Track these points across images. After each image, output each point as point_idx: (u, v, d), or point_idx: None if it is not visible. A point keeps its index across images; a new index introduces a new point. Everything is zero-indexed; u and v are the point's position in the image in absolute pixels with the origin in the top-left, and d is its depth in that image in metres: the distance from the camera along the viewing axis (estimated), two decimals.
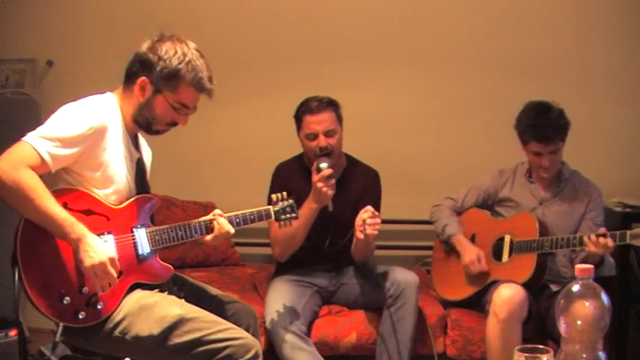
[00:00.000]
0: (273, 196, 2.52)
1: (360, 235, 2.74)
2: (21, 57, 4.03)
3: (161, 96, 2.23)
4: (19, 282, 2.04)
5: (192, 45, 2.27)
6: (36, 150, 2.02)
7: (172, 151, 3.97)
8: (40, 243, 2.06)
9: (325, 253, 3.03)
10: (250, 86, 3.99)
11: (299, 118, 3.00)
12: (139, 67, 2.23)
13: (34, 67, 4.03)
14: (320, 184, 2.74)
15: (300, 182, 2.95)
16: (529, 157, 3.06)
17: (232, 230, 2.36)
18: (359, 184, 3.11)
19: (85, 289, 2.09)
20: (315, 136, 2.94)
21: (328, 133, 2.95)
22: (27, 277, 2.04)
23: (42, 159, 2.03)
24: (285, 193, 2.53)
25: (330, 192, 2.75)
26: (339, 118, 3.01)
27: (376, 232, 2.74)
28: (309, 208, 2.84)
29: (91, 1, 4.04)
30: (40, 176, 2.04)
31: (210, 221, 2.36)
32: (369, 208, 2.73)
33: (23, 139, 2.05)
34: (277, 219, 2.50)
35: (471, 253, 3.05)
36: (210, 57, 3.88)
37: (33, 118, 2.25)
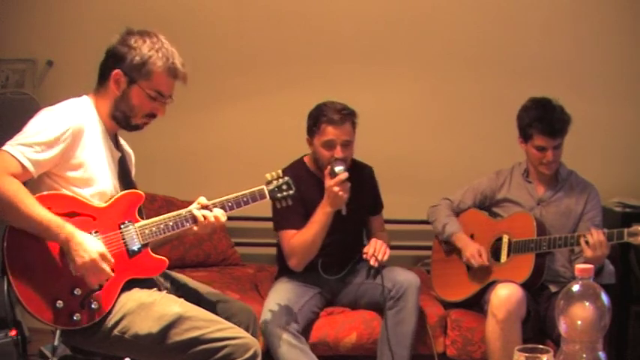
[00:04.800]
0: (267, 175, 2.49)
1: (375, 264, 2.91)
2: (21, 57, 4.03)
3: (136, 86, 2.23)
4: (10, 289, 2.04)
5: (161, 36, 2.27)
6: (15, 158, 2.03)
7: (172, 151, 3.99)
8: (26, 250, 2.06)
9: (339, 254, 3.04)
10: (250, 86, 4.00)
11: (316, 125, 2.94)
12: (111, 62, 2.24)
13: (34, 67, 4.03)
14: (336, 189, 2.73)
15: (310, 188, 2.93)
16: (531, 154, 3.05)
17: (223, 218, 2.32)
18: (364, 183, 3.15)
19: (77, 291, 2.09)
20: (333, 146, 2.92)
21: (346, 144, 2.93)
22: (17, 285, 2.03)
23: (23, 166, 2.03)
24: (279, 171, 2.50)
25: (346, 195, 2.76)
26: (354, 128, 3.00)
27: (386, 257, 2.93)
28: (324, 213, 2.84)
29: (91, 1, 4.05)
30: (23, 182, 2.05)
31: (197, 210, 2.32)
32: (370, 245, 2.94)
33: (2, 148, 2.05)
34: (273, 198, 2.46)
35: (472, 248, 3.04)
36: (210, 58, 3.95)
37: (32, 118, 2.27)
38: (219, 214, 2.31)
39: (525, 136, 3.02)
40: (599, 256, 2.73)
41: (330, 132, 2.91)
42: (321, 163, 2.96)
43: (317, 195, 2.85)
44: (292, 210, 2.81)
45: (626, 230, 2.68)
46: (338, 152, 2.90)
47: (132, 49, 2.22)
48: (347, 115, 2.93)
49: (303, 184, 2.86)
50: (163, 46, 2.25)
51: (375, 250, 2.92)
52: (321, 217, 2.85)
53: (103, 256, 2.06)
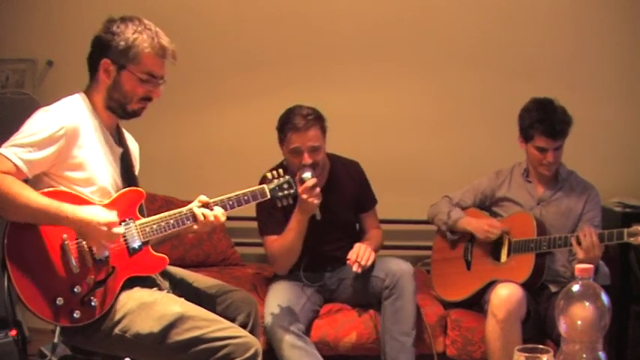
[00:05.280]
0: (268, 174, 2.49)
1: (358, 270, 2.87)
2: (21, 57, 4.04)
3: (126, 71, 2.22)
4: (11, 287, 2.04)
5: (143, 19, 2.27)
6: (8, 159, 2.03)
7: (172, 151, 3.99)
8: (26, 247, 2.06)
9: (321, 256, 3.03)
10: (250, 87, 4.00)
11: (283, 132, 2.95)
12: (97, 52, 2.24)
13: (34, 67, 4.04)
14: (305, 195, 2.72)
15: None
16: (531, 155, 3.05)
17: (223, 218, 2.32)
18: (349, 182, 3.14)
19: (78, 288, 2.09)
20: (300, 154, 2.91)
21: (313, 150, 2.91)
22: (17, 282, 2.04)
23: (16, 167, 2.04)
24: (280, 170, 2.50)
25: (316, 201, 2.73)
26: (324, 132, 2.98)
27: (370, 262, 2.90)
28: (297, 220, 2.85)
29: (91, 1, 4.04)
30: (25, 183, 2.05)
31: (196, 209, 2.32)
32: (353, 250, 2.90)
33: None
34: (274, 197, 2.46)
35: (483, 223, 3.06)
36: (211, 58, 3.95)
37: None
38: (219, 213, 2.31)
39: (526, 136, 3.03)
40: (591, 257, 2.73)
41: (295, 140, 2.90)
42: (291, 170, 2.92)
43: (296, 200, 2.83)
44: (273, 216, 2.82)
45: (625, 230, 2.68)
46: (306, 159, 2.89)
47: (115, 35, 2.21)
48: (312, 121, 2.91)
49: None
50: (146, 28, 2.24)
51: (359, 255, 2.90)
52: (294, 224, 2.86)
53: (111, 224, 2.06)
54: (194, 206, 2.31)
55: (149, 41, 2.22)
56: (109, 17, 2.26)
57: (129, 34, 2.21)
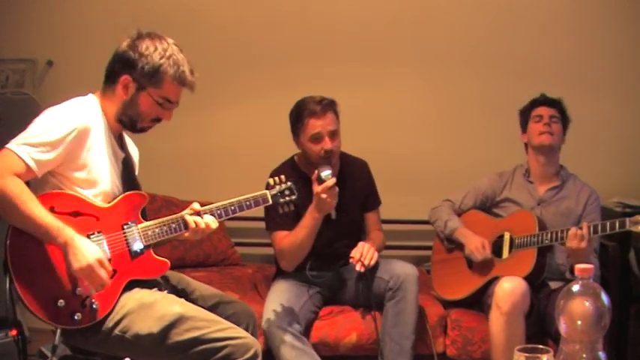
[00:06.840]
0: (270, 180, 2.50)
1: (361, 269, 2.88)
2: (21, 57, 4.04)
3: (145, 93, 2.23)
4: (12, 288, 2.04)
5: (170, 40, 2.27)
6: (20, 157, 2.03)
7: (172, 151, 3.99)
8: (29, 248, 2.06)
9: (329, 254, 3.03)
10: (250, 87, 4.00)
11: (300, 120, 2.93)
12: (120, 66, 2.23)
13: (34, 67, 4.03)
14: (324, 195, 2.71)
15: (301, 189, 2.88)
16: (531, 131, 3.11)
17: (214, 225, 2.31)
18: (357, 180, 3.13)
19: (79, 290, 2.09)
20: (320, 138, 2.91)
21: (332, 135, 2.92)
22: (19, 283, 2.03)
23: (27, 166, 2.03)
24: (282, 177, 2.50)
25: (334, 202, 2.73)
26: (338, 117, 3.00)
27: (373, 262, 2.90)
28: (312, 218, 2.82)
29: (92, 1, 4.05)
30: (26, 181, 2.05)
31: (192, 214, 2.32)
32: (357, 249, 2.90)
33: (7, 146, 2.05)
34: (276, 203, 2.47)
35: (475, 241, 3.06)
36: (211, 57, 3.95)
37: (33, 118, 2.26)
38: (210, 221, 2.31)
39: (525, 119, 3.15)
40: (575, 248, 2.77)
41: (315, 124, 2.90)
42: (312, 159, 2.94)
43: (308, 195, 2.80)
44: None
45: (628, 219, 2.68)
46: (327, 143, 2.89)
47: (143, 56, 2.20)
48: (328, 105, 2.92)
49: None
50: (174, 53, 2.24)
51: (362, 254, 2.89)
52: (309, 221, 2.84)
53: (100, 262, 2.05)
54: (186, 214, 2.31)
55: (175, 69, 2.22)
56: (137, 32, 2.25)
57: (157, 58, 2.20)
